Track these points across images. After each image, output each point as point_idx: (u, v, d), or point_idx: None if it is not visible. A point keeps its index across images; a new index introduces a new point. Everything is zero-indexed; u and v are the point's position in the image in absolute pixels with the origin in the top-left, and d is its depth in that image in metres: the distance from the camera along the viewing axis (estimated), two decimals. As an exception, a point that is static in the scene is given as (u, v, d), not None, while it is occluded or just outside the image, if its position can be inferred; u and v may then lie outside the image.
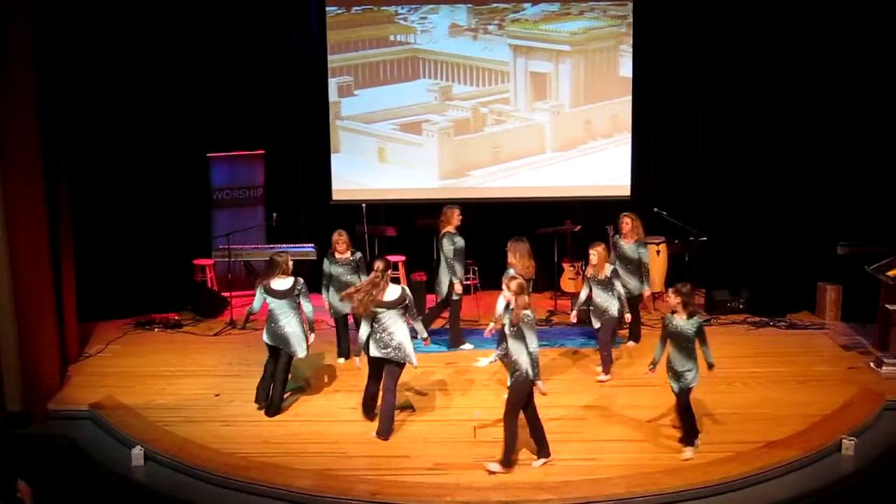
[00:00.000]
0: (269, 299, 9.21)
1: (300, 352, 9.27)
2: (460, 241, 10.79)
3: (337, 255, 10.35)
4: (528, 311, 7.88)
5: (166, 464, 8.44)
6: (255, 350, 11.05)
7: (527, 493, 7.73)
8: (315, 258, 12.20)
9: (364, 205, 12.69)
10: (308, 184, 13.26)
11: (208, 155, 12.93)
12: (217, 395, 9.83)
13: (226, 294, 12.50)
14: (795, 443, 8.51)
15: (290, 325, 9.20)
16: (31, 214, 9.49)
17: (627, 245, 10.75)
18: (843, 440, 8.51)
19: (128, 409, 9.44)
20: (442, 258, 10.84)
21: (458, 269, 10.77)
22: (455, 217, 10.83)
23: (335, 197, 12.98)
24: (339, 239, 10.30)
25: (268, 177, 13.27)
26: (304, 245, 12.40)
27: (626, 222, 10.79)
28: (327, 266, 10.38)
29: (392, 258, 12.89)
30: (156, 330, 12.01)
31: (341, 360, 10.71)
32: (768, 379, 10.08)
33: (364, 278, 9.89)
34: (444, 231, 10.81)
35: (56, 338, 10.06)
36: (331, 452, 8.52)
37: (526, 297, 7.96)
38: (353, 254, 10.42)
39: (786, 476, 8.12)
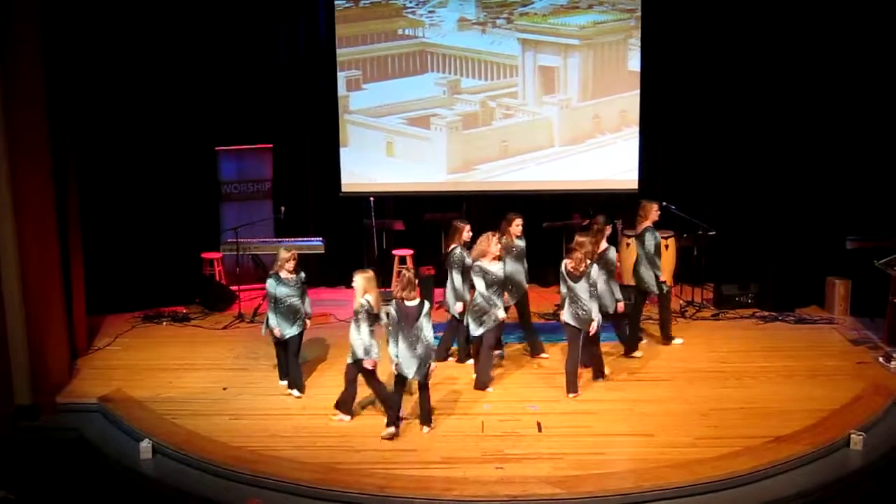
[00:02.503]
0: None
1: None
2: (659, 237, 10.66)
3: (283, 275, 9.54)
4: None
5: (174, 457, 8.46)
6: (263, 343, 11.04)
7: (535, 487, 7.72)
8: (322, 252, 12.23)
9: (372, 198, 12.70)
10: (316, 177, 13.27)
11: (216, 149, 12.94)
12: (225, 389, 9.85)
13: (234, 288, 12.50)
14: (804, 437, 8.50)
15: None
16: (40, 208, 9.52)
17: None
18: (852, 435, 8.49)
19: (136, 403, 9.47)
20: (642, 254, 10.60)
21: (658, 262, 10.64)
22: (653, 212, 10.63)
23: (343, 190, 12.99)
24: (289, 256, 9.58)
25: (276, 170, 13.28)
26: (312, 238, 12.41)
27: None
28: (272, 287, 9.51)
29: (400, 252, 12.93)
30: (164, 323, 12.04)
31: (283, 382, 9.89)
32: (777, 373, 10.06)
33: (307, 301, 9.79)
34: (643, 226, 10.60)
35: (65, 331, 10.09)
36: (338, 446, 8.52)
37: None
38: (297, 273, 9.69)
39: (794, 471, 8.10)
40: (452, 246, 10.15)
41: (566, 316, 9.42)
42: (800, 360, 10.45)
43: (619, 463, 8.18)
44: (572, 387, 9.49)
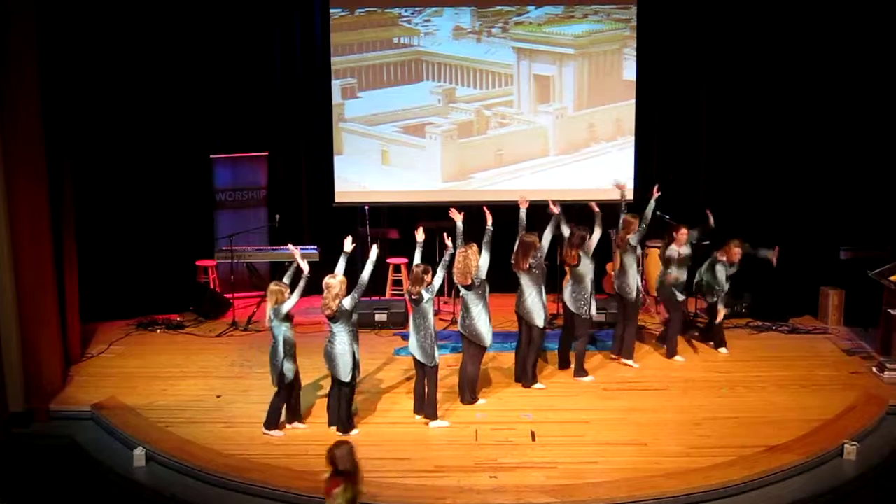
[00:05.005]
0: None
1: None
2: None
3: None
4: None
5: (168, 464, 8.45)
6: (257, 351, 11.06)
7: (529, 496, 7.72)
8: (318, 260, 12.20)
9: (367, 207, 12.69)
10: (311, 186, 13.26)
11: (211, 156, 12.93)
12: (219, 397, 9.83)
13: (228, 295, 12.50)
14: (797, 447, 8.50)
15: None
16: (34, 215, 9.50)
17: None
18: (846, 445, 8.51)
19: (130, 410, 9.45)
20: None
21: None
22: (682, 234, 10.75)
23: (338, 199, 12.99)
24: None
25: (271, 178, 13.27)
26: (307, 247, 12.39)
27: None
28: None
29: (394, 260, 12.93)
30: (158, 331, 12.01)
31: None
32: (770, 383, 10.08)
33: None
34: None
35: (59, 338, 10.07)
36: (332, 454, 8.51)
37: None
38: None
39: (787, 480, 8.12)
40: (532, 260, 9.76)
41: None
42: (793, 369, 10.47)
43: (612, 472, 8.17)
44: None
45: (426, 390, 9.10)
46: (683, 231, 10.78)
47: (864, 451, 8.54)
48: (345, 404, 8.89)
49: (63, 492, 8.05)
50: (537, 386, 9.96)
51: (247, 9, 12.67)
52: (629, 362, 10.58)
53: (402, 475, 8.12)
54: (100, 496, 8.19)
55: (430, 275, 8.93)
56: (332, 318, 8.68)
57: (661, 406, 9.51)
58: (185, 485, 8.19)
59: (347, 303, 8.61)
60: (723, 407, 9.47)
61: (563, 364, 10.45)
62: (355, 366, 8.77)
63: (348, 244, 9.01)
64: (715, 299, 10.84)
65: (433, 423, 9.09)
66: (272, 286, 8.80)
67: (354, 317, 8.77)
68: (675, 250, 10.75)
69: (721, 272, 10.72)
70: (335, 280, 8.71)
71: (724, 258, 10.77)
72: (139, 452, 8.52)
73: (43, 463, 8.60)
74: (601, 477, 8.05)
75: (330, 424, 8.98)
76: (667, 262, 10.81)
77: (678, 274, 10.72)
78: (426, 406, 9.11)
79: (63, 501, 7.98)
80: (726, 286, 10.79)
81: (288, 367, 8.72)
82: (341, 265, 8.91)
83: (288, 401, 8.96)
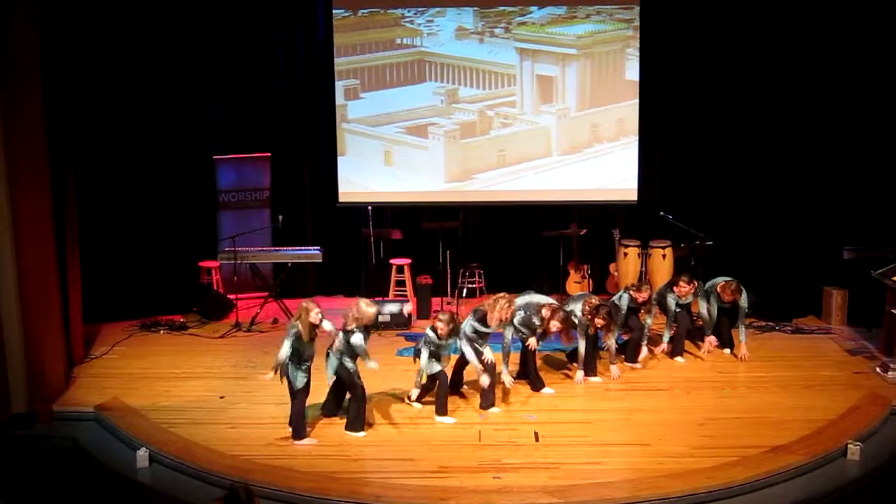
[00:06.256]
0: None
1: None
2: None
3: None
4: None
5: (171, 465, 8.46)
6: (261, 352, 11.07)
7: (531, 496, 7.72)
8: (320, 261, 12.25)
9: (370, 207, 12.70)
10: (314, 186, 13.27)
11: (214, 157, 12.94)
12: (222, 398, 9.83)
13: (231, 296, 12.50)
14: (800, 447, 8.50)
15: None
16: (37, 216, 9.51)
17: None
18: (849, 445, 8.49)
19: (133, 411, 9.46)
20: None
21: None
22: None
23: (341, 199, 12.99)
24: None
25: (274, 179, 13.27)
26: (310, 248, 12.43)
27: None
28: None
29: (398, 261, 12.93)
30: (161, 332, 12.02)
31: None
32: (774, 383, 10.06)
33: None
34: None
35: (62, 339, 10.07)
36: (335, 455, 8.52)
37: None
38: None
39: (791, 481, 8.11)
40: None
41: None
42: (797, 369, 10.45)
43: (615, 472, 8.17)
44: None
45: (437, 390, 9.26)
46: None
47: (868, 452, 8.52)
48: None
49: (66, 493, 8.04)
50: (546, 391, 9.95)
51: (250, 10, 12.67)
52: (632, 364, 10.57)
53: (406, 476, 8.12)
54: (103, 497, 8.18)
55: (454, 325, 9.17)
56: (342, 329, 8.82)
57: (664, 406, 9.51)
58: (188, 486, 8.19)
59: (355, 339, 8.71)
60: (726, 407, 9.46)
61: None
62: (345, 374, 8.82)
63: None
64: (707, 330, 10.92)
65: (438, 418, 9.18)
66: (303, 304, 8.81)
67: (352, 349, 8.79)
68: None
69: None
70: (370, 311, 8.80)
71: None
72: (142, 453, 8.53)
73: (46, 464, 8.61)
74: (604, 477, 8.05)
75: (323, 412, 9.22)
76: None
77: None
78: (436, 403, 9.23)
79: (66, 503, 7.98)
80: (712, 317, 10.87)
81: (300, 377, 8.71)
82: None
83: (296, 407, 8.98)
